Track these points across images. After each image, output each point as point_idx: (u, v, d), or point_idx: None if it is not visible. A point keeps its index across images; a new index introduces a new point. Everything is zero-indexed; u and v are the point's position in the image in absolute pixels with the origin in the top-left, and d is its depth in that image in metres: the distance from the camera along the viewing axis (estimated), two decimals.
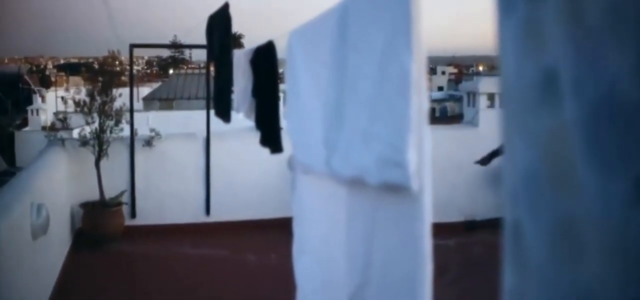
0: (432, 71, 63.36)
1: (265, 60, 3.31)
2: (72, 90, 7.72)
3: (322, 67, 2.05)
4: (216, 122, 5.89)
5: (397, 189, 1.48)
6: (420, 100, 1.42)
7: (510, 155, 0.86)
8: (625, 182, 0.65)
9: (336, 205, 2.04)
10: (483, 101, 7.93)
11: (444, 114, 32.41)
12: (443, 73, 67.10)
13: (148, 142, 6.88)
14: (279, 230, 5.28)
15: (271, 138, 3.39)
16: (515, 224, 0.87)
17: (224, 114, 4.66)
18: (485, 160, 6.60)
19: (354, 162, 1.68)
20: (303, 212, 2.58)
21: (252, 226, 7.01)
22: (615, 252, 0.68)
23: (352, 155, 1.70)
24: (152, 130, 6.93)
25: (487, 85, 8.08)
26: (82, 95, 6.88)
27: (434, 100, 33.00)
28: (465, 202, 7.74)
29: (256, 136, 3.91)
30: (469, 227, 7.71)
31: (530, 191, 0.82)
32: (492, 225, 7.89)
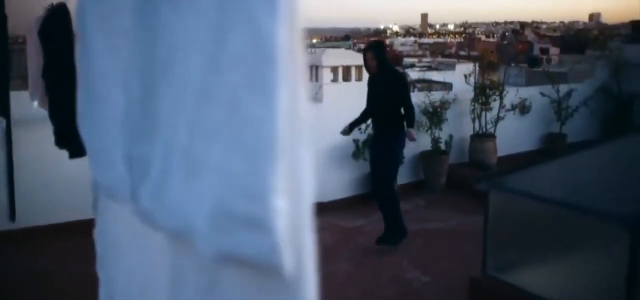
0: None
1: (58, 30, 2.46)
2: None
3: (123, 36, 1.30)
4: (22, 106, 4.84)
5: (251, 265, 0.80)
6: (295, 96, 0.74)
7: None
8: None
9: (157, 254, 1.32)
10: (326, 75, 7.47)
11: None
12: None
13: None
14: None
15: (68, 136, 2.54)
16: None
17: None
18: (347, 131, 6.24)
19: (174, 205, 0.96)
20: (108, 250, 1.82)
21: (75, 229, 5.97)
22: None
23: (171, 191, 0.98)
24: None
25: (330, 58, 7.63)
26: None
27: None
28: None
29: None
30: (316, 210, 7.26)
31: None
32: (341, 206, 7.54)
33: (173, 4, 1.02)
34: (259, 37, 0.73)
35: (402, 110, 5.79)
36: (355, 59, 7.88)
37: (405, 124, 5.84)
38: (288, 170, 0.75)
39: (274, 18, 0.72)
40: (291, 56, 0.74)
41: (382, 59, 5.83)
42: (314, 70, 7.69)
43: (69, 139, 2.54)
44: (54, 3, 2.69)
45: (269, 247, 0.74)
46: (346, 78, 7.59)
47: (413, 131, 5.90)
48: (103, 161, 1.49)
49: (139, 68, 1.18)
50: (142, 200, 1.16)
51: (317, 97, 7.54)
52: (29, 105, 4.42)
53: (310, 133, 0.76)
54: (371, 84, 5.97)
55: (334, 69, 7.52)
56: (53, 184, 6.12)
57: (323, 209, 7.29)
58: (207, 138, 0.84)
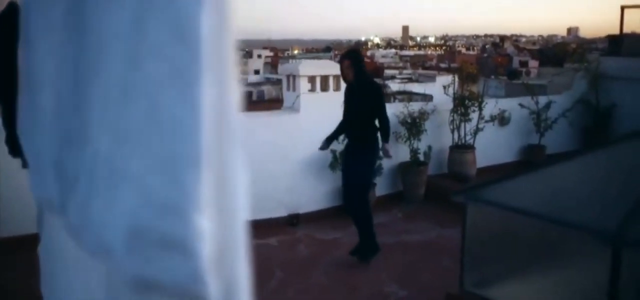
0: (248, 55, 63.66)
1: (8, 31, 2.31)
2: None
3: (59, 32, 1.17)
4: None
5: (171, 293, 0.67)
6: (224, 96, 0.61)
7: None
8: None
9: (95, 274, 1.19)
10: (304, 84, 7.36)
11: (261, 98, 32.39)
12: (259, 56, 67.58)
13: None
14: None
15: (19, 145, 2.39)
16: None
17: None
18: (325, 146, 6.12)
19: (95, 221, 0.83)
20: (51, 268, 1.67)
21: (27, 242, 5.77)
22: None
23: (93, 206, 0.85)
24: None
25: (307, 67, 7.52)
26: None
27: (250, 84, 32.94)
28: (288, 195, 7.14)
29: None
30: (293, 222, 7.12)
31: None
32: (318, 218, 7.41)
33: None
34: (179, 24, 0.61)
35: (377, 123, 5.65)
36: (333, 68, 7.78)
37: (380, 136, 5.72)
38: (215, 184, 0.62)
39: (197, 2, 0.60)
40: (218, 48, 0.61)
41: (359, 68, 5.65)
42: (292, 79, 7.58)
43: (20, 148, 2.40)
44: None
45: (190, 273, 0.61)
46: (324, 88, 7.48)
47: (389, 147, 5.78)
48: (38, 171, 1.35)
49: (69, 65, 1.05)
50: (71, 214, 1.03)
51: (294, 107, 7.43)
52: None
53: (242, 141, 0.64)
54: (347, 94, 5.80)
55: (312, 79, 7.41)
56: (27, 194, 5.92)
57: (299, 221, 7.16)
58: (126, 144, 0.71)
